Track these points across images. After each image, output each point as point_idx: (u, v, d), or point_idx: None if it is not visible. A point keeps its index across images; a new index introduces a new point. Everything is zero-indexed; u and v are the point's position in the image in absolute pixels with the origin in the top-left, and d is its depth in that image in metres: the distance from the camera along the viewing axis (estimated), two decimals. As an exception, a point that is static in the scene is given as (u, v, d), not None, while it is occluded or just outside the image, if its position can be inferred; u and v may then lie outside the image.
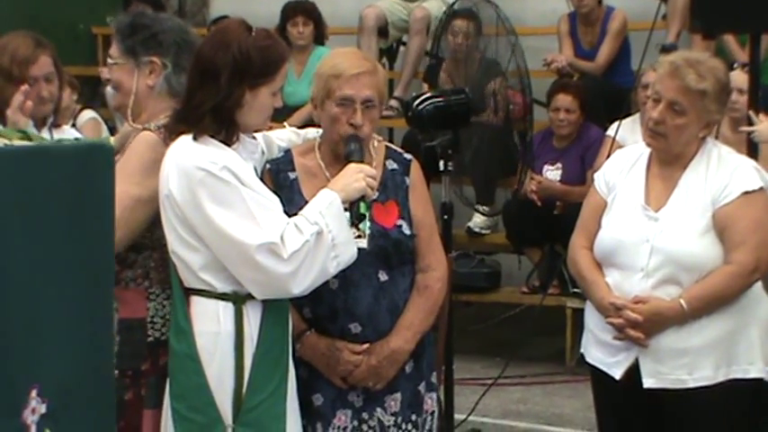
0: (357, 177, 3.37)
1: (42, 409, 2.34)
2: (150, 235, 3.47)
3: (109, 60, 3.64)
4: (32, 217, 2.31)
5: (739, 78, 5.93)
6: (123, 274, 3.46)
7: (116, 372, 3.34)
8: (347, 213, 3.34)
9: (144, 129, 3.46)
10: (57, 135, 4.69)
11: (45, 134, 4.64)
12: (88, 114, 7.29)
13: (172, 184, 3.28)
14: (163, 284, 3.49)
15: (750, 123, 4.68)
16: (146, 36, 3.55)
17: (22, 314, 2.29)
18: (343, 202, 3.33)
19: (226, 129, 3.33)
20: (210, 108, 3.30)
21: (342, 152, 3.54)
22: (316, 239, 3.25)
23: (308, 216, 3.28)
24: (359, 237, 3.49)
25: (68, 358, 2.38)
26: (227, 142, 3.34)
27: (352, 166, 3.43)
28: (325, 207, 3.30)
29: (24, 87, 3.93)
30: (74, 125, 5.33)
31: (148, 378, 3.46)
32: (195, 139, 3.31)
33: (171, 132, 3.39)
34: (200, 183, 3.25)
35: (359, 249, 3.41)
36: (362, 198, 3.37)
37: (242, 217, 3.23)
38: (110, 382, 2.59)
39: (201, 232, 3.27)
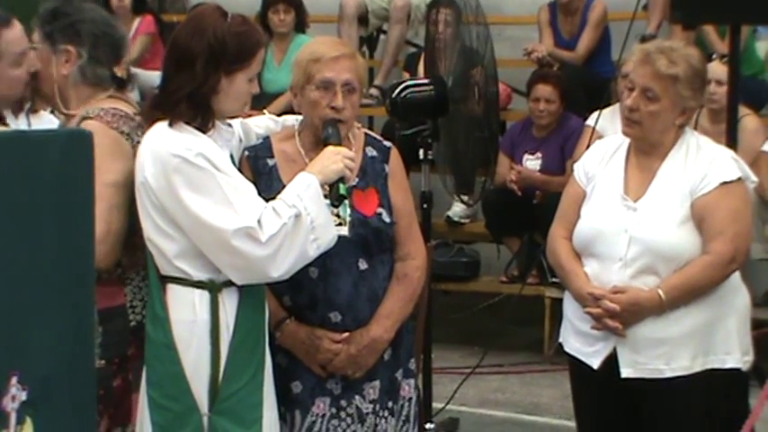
0: (335, 159, 3.37)
1: (23, 396, 2.33)
2: None
3: (30, 44, 3.60)
4: (13, 203, 2.31)
5: (717, 70, 5.96)
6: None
7: (103, 361, 3.36)
8: (327, 199, 3.34)
9: (84, 118, 3.44)
10: (34, 121, 4.67)
11: (22, 119, 4.62)
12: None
13: (147, 171, 3.27)
14: (136, 268, 3.49)
15: (732, 115, 4.71)
16: (65, 24, 3.53)
17: (2, 301, 2.28)
18: (322, 185, 3.33)
19: (201, 115, 3.32)
20: (186, 94, 3.29)
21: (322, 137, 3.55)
22: (294, 222, 3.24)
23: (285, 199, 3.28)
24: (340, 224, 3.49)
25: (50, 346, 2.38)
26: (203, 129, 3.33)
27: (330, 148, 3.43)
28: (303, 190, 3.30)
29: None
30: (52, 111, 5.29)
31: (135, 362, 3.46)
32: (171, 125, 3.30)
33: (147, 119, 3.38)
34: (175, 169, 3.24)
35: (340, 237, 3.42)
36: (341, 180, 3.37)
37: (218, 203, 3.22)
38: (91, 370, 2.59)
39: (178, 219, 3.26)
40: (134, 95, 8.31)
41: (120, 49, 3.63)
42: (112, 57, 3.59)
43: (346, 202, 3.48)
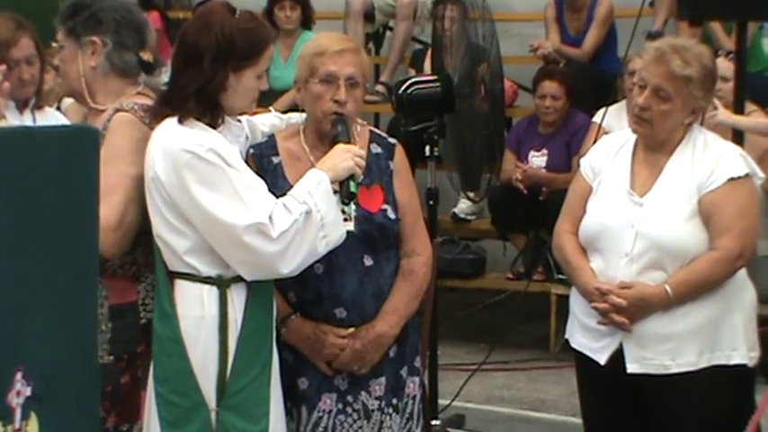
0: (345, 157, 3.38)
1: (27, 391, 2.33)
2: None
3: (54, 45, 3.63)
4: (17, 200, 2.31)
5: (722, 66, 5.94)
6: (110, 262, 3.44)
7: (111, 357, 3.36)
8: (336, 194, 3.34)
9: (118, 110, 3.45)
10: (39, 117, 4.68)
11: (27, 116, 4.62)
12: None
13: (158, 166, 3.28)
14: (151, 267, 3.49)
15: (738, 111, 4.71)
16: (86, 16, 3.53)
17: (6, 297, 2.28)
18: (332, 182, 3.33)
19: (210, 112, 3.32)
20: (194, 91, 3.29)
21: (326, 130, 3.54)
22: (304, 219, 3.25)
23: (296, 196, 3.29)
24: (346, 220, 3.49)
25: (54, 341, 2.38)
26: (213, 125, 3.33)
27: (340, 146, 3.43)
28: (314, 187, 3.30)
29: (2, 68, 3.92)
30: (58, 108, 5.29)
31: (144, 360, 3.45)
32: (180, 122, 3.30)
33: (155, 115, 3.38)
34: (186, 165, 3.24)
35: (346, 233, 3.42)
36: (351, 177, 3.37)
37: (229, 198, 3.22)
38: (94, 366, 2.59)
39: (189, 215, 3.26)
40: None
41: (143, 34, 3.62)
42: (137, 41, 3.58)
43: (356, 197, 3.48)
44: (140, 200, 3.38)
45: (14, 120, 4.31)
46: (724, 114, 4.68)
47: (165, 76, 3.53)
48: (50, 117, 4.72)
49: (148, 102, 3.52)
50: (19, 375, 2.32)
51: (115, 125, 3.42)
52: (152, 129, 3.42)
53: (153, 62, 3.61)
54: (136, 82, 3.57)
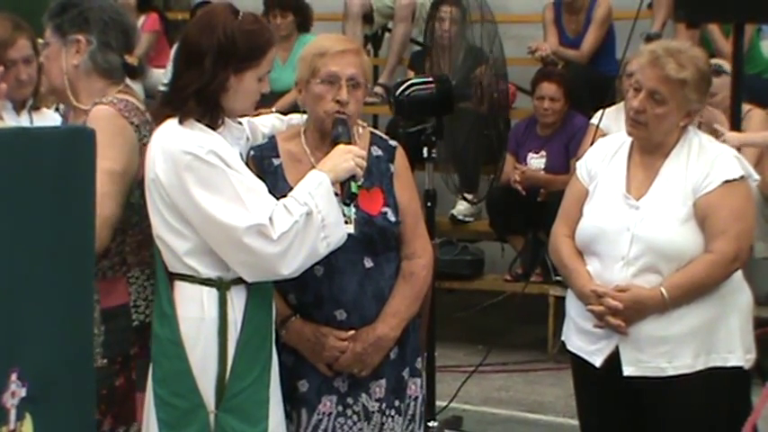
0: (346, 158, 3.38)
1: (22, 392, 2.34)
2: (121, 218, 3.46)
3: (40, 41, 3.64)
4: (12, 200, 2.31)
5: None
6: (100, 264, 3.43)
7: (105, 360, 3.36)
8: (337, 196, 3.34)
9: (96, 103, 3.44)
10: (36, 118, 4.68)
11: (24, 117, 4.63)
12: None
13: (158, 167, 3.28)
14: (141, 266, 3.49)
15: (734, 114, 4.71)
16: (74, 14, 3.54)
17: (1, 297, 2.28)
18: (333, 183, 3.34)
19: (210, 113, 3.32)
20: (194, 91, 3.30)
21: (328, 130, 3.54)
22: (305, 220, 3.25)
23: (297, 197, 3.29)
24: (346, 222, 3.49)
25: (49, 342, 2.38)
26: (212, 126, 3.33)
27: (341, 147, 3.43)
28: (315, 188, 3.30)
29: None
30: (57, 109, 5.29)
31: (138, 361, 3.46)
32: (181, 122, 3.31)
33: (156, 116, 3.39)
34: (186, 167, 3.24)
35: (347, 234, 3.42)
36: (352, 178, 3.37)
37: (229, 200, 3.23)
38: (90, 367, 2.59)
39: (189, 216, 3.27)
40: (138, 90, 8.33)
41: (130, 38, 3.62)
42: (123, 44, 3.58)
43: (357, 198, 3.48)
44: (119, 195, 3.38)
45: (11, 121, 4.31)
46: (731, 137, 4.67)
47: (163, 77, 3.53)
48: (48, 118, 4.72)
49: (129, 98, 3.52)
50: (14, 376, 2.32)
51: (92, 120, 3.40)
52: (131, 122, 3.43)
53: (137, 66, 3.62)
54: (119, 83, 3.57)
